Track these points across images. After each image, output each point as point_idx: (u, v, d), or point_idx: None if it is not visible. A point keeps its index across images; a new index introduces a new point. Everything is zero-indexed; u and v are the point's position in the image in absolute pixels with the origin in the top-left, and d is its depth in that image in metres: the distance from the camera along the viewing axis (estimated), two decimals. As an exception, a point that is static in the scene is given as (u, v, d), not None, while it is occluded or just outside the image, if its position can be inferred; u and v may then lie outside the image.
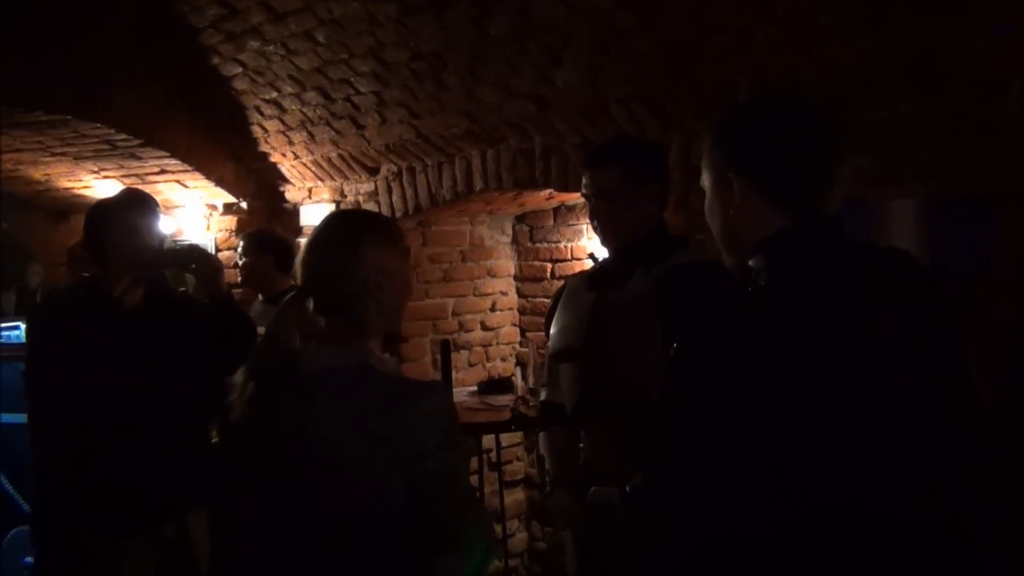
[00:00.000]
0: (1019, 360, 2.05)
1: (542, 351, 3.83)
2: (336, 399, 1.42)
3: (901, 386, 1.17)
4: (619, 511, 1.89)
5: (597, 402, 2.04)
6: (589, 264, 2.29)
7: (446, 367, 2.05)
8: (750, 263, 1.27)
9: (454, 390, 3.86)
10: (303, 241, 4.26)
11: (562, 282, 2.47)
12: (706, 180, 1.36)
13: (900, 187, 2.24)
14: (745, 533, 1.14)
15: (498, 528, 3.76)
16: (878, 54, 2.16)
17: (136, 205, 2.49)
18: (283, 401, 1.45)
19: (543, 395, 2.34)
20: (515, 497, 4.16)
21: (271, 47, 3.56)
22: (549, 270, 4.04)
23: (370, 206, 4.04)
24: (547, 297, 3.39)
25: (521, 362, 4.15)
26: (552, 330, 2.22)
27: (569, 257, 3.90)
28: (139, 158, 4.37)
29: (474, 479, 3.71)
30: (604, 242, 2.11)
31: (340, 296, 1.47)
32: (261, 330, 3.11)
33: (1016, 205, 2.04)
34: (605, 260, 2.18)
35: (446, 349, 3.13)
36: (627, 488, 1.87)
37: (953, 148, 2.12)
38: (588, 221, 2.18)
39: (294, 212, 4.55)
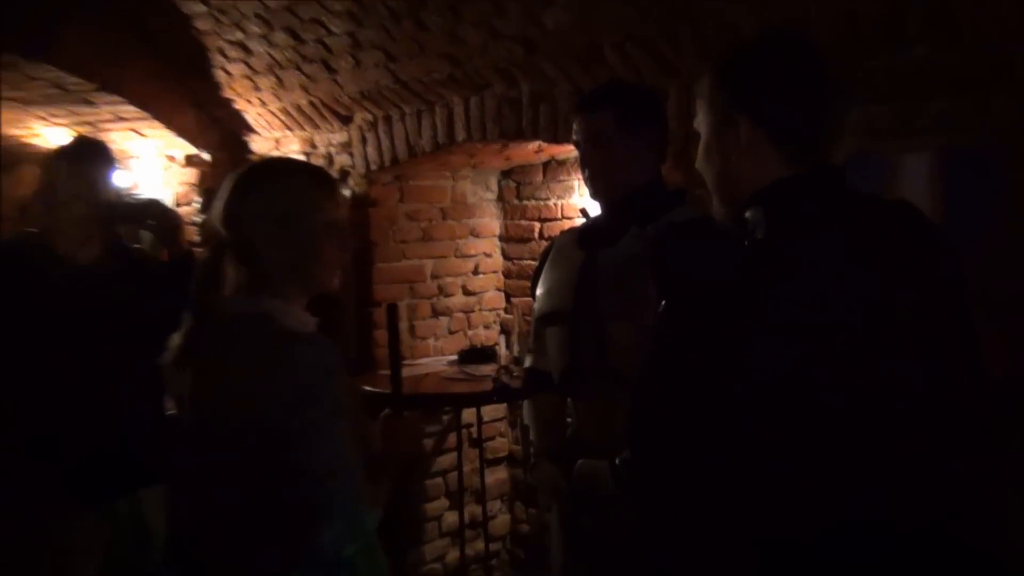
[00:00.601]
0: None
1: (528, 318, 3.86)
2: (224, 350, 1.49)
3: (904, 349, 1.20)
4: (608, 485, 1.92)
5: (587, 369, 2.06)
6: (580, 222, 2.30)
7: (393, 335, 2.05)
8: (747, 215, 1.29)
9: (430, 359, 3.90)
10: None
11: (549, 239, 2.49)
12: (703, 122, 1.37)
13: (912, 140, 2.26)
14: (740, 509, 1.17)
15: (479, 509, 3.81)
16: (892, -5, 2.17)
17: (90, 154, 2.49)
18: (191, 354, 1.53)
19: (528, 362, 2.37)
20: (497, 476, 4.20)
21: None
22: (537, 230, 4.05)
23: (343, 158, 4.03)
24: (534, 259, 3.40)
25: (505, 329, 4.18)
26: (538, 291, 2.23)
27: (559, 216, 3.91)
28: (92, 104, 4.34)
29: (452, 456, 3.76)
30: (595, 194, 2.12)
31: (239, 243, 1.51)
32: None
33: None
34: (597, 216, 2.19)
35: (392, 314, 3.13)
36: (616, 461, 1.91)
37: (969, 99, 2.14)
38: (580, 174, 2.19)
39: None
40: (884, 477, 1.16)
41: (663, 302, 1.31)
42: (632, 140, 2.03)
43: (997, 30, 2.07)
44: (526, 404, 2.35)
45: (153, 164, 4.98)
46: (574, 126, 2.11)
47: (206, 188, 4.68)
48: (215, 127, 4.59)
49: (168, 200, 4.93)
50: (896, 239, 1.27)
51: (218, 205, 1.55)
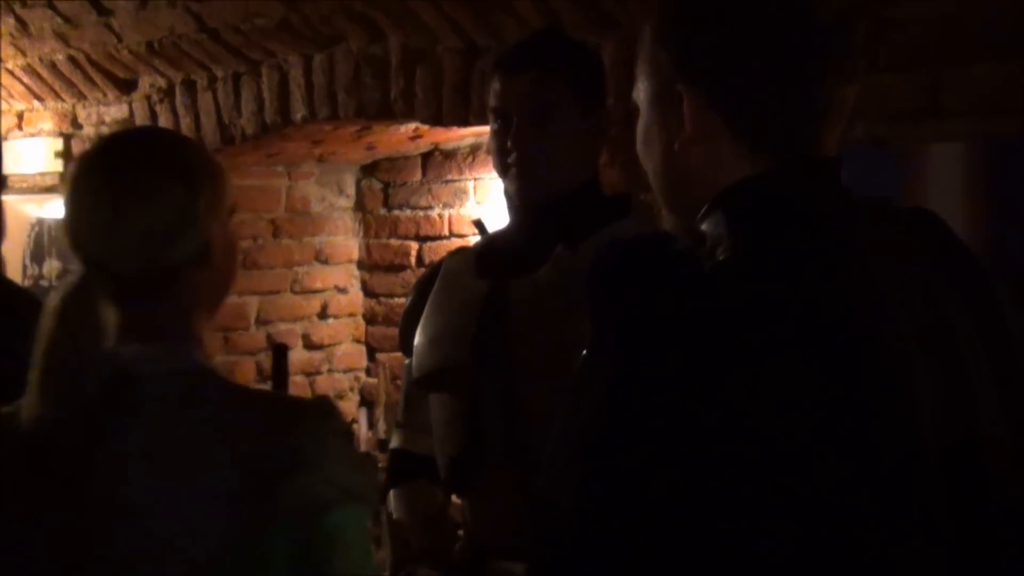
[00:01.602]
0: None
1: (400, 382, 3.87)
2: (164, 424, 1.48)
3: (918, 410, 1.26)
4: None
5: (491, 453, 2.09)
6: (476, 239, 2.35)
7: (279, 381, 2.00)
8: (703, 227, 1.34)
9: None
10: (6, 199, 4.23)
11: (430, 265, 2.52)
12: (640, 93, 1.42)
13: (942, 123, 2.38)
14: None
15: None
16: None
17: None
18: (83, 429, 1.50)
19: (395, 441, 2.39)
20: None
21: None
22: (414, 253, 4.09)
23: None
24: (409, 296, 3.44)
25: (367, 400, 4.19)
26: (417, 340, 2.25)
27: (446, 232, 3.96)
28: None
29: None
30: (518, 193, 2.14)
31: (157, 271, 1.51)
32: None
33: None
34: (502, 230, 2.23)
35: (279, 356, 3.14)
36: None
37: (1016, 67, 2.27)
38: (481, 168, 2.23)
39: None
40: None
41: (586, 353, 1.34)
42: (585, 123, 2.10)
43: None
44: (394, 494, 2.37)
45: None
46: (495, 87, 2.13)
47: None
48: None
49: None
50: (912, 264, 1.33)
51: (77, 225, 1.54)
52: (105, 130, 4.09)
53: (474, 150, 3.85)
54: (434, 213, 4.01)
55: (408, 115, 3.30)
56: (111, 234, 1.52)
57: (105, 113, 4.12)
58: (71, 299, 1.54)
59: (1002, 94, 2.31)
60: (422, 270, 3.92)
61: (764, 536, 1.15)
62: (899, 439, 1.19)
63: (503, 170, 2.14)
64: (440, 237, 3.97)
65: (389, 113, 3.33)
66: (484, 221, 2.31)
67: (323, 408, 1.59)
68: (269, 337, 4.14)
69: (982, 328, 1.32)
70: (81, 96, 4.16)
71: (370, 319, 4.35)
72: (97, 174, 1.56)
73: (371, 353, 4.36)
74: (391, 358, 4.02)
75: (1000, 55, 2.30)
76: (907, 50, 2.40)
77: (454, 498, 2.24)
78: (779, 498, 1.15)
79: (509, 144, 2.10)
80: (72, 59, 4.01)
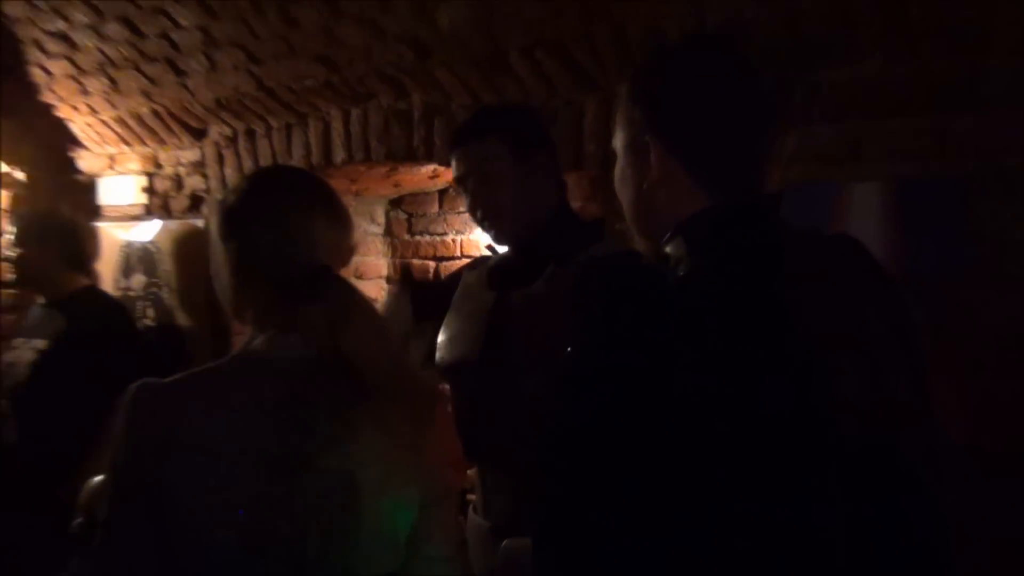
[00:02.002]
0: (1005, 366, 2.20)
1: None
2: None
3: (843, 402, 1.25)
4: None
5: (497, 433, 2.09)
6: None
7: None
8: (667, 250, 1.33)
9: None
10: (102, 226, 4.23)
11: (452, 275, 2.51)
12: (618, 142, 1.42)
13: (863, 166, 2.37)
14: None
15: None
16: (842, 1, 2.29)
17: None
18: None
19: None
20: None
21: None
22: (432, 270, 4.08)
23: (195, 180, 4.03)
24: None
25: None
26: (440, 337, 2.25)
27: (458, 254, 3.95)
28: None
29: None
30: (497, 237, 2.17)
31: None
32: (40, 344, 3.12)
33: (1003, 188, 2.20)
34: (507, 253, 2.23)
35: None
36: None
37: (925, 120, 2.27)
38: (471, 217, 2.24)
39: (90, 187, 4.52)
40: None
41: (571, 350, 1.34)
42: (527, 168, 2.09)
43: (957, 43, 2.21)
44: None
45: None
46: (453, 163, 2.17)
47: (20, 214, 4.59)
48: (30, 138, 4.54)
49: None
50: (836, 280, 1.32)
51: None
52: (182, 171, 4.11)
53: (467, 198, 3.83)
54: (448, 238, 4.01)
55: (428, 158, 3.29)
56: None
57: (181, 156, 4.11)
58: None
59: (909, 144, 2.31)
60: (439, 284, 3.94)
61: (720, 498, 1.16)
62: (818, 416, 1.20)
63: (479, 225, 2.20)
64: (453, 257, 3.97)
65: (412, 157, 3.31)
66: (494, 245, 2.31)
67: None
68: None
69: (895, 328, 1.33)
70: (161, 142, 4.15)
71: (397, 325, 4.33)
72: (260, 201, 1.57)
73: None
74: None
75: (907, 112, 2.30)
76: (834, 107, 2.40)
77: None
78: (726, 458, 1.16)
79: (471, 204, 2.18)
80: (155, 112, 4.01)
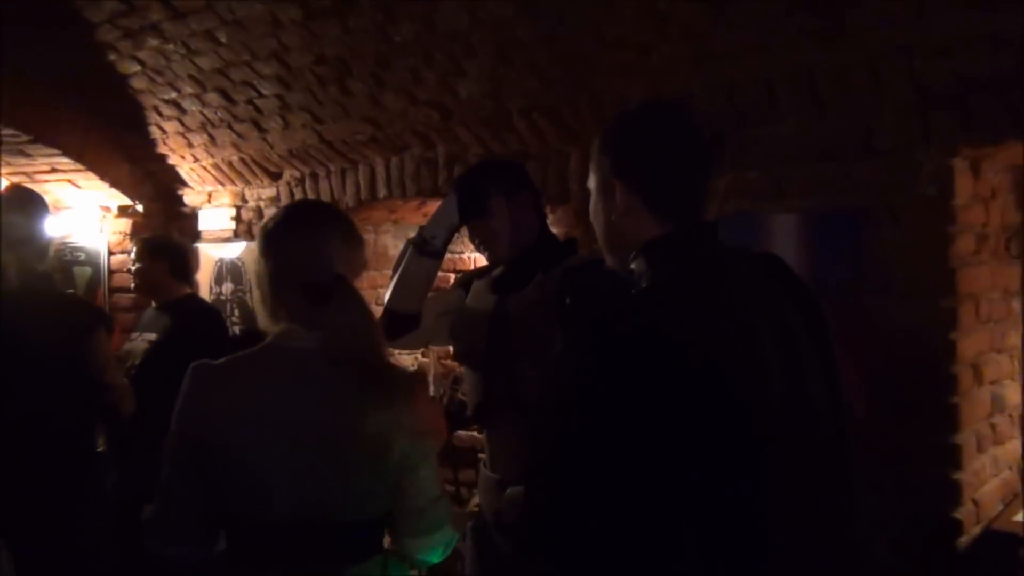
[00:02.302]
0: (890, 361, 2.16)
1: (444, 361, 3.82)
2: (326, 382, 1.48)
3: (775, 391, 1.22)
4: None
5: (497, 404, 2.06)
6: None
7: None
8: (632, 266, 1.31)
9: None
10: (201, 246, 4.21)
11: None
12: (592, 182, 1.40)
13: (784, 201, 2.34)
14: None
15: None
16: (766, 73, 2.26)
17: (22, 203, 2.48)
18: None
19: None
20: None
21: (171, 46, 3.49)
22: (451, 281, 4.03)
23: (272, 211, 3.96)
24: (450, 307, 3.40)
25: (422, 371, 4.13)
26: (455, 329, 2.23)
27: (472, 268, 3.89)
28: (28, 155, 4.22)
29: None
30: (492, 259, 2.16)
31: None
32: (151, 337, 3.10)
33: (888, 220, 2.16)
34: (507, 264, 2.21)
35: None
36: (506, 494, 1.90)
37: (831, 165, 2.23)
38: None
39: (192, 216, 4.46)
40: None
41: (565, 341, 1.31)
42: (510, 203, 2.07)
43: (855, 105, 2.17)
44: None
45: (89, 214, 4.83)
46: None
47: (140, 237, 4.59)
48: (149, 180, 4.52)
49: (101, 249, 4.83)
50: (765, 289, 1.30)
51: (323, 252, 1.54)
52: (262, 204, 4.06)
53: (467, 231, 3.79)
54: (465, 256, 3.96)
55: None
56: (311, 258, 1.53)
57: (262, 193, 4.08)
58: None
59: (818, 184, 2.28)
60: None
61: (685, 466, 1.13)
62: (756, 399, 1.19)
63: (476, 250, 2.20)
64: (467, 270, 3.93)
65: (438, 193, 3.27)
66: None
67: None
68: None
69: (810, 329, 1.31)
70: (247, 182, 4.12)
71: (425, 322, 4.28)
72: (292, 227, 1.57)
73: (425, 343, 4.29)
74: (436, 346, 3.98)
75: (817, 159, 2.27)
76: (761, 156, 2.37)
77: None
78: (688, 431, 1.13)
79: (471, 234, 2.16)
80: (242, 160, 3.97)
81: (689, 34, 2.31)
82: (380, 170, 3.47)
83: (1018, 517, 2.19)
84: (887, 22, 1.99)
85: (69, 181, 4.52)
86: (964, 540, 2.13)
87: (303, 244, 1.54)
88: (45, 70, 3.86)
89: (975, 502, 2.16)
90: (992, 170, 2.14)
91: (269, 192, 4.01)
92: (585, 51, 2.54)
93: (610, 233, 1.36)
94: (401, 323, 2.19)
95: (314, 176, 3.77)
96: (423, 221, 4.06)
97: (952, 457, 2.12)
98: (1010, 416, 2.32)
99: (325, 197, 3.71)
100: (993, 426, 2.24)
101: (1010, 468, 2.30)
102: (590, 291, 1.43)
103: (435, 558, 1.59)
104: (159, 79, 3.70)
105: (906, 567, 2.14)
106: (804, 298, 1.33)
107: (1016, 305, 2.33)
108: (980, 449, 2.18)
